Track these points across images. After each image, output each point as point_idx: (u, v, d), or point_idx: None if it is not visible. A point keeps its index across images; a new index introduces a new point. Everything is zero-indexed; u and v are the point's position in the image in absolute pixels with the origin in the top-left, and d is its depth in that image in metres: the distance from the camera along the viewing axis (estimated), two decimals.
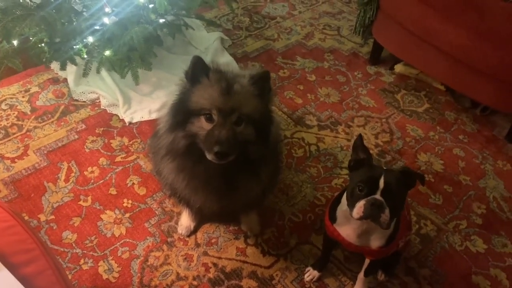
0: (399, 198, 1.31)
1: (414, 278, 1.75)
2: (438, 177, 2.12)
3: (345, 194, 1.41)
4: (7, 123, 2.14)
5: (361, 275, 1.63)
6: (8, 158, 2.00)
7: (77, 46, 2.06)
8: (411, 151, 2.22)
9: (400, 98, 2.51)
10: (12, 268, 1.00)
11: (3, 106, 2.22)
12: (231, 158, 1.31)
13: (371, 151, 2.17)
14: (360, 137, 1.38)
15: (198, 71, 1.35)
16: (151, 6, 2.03)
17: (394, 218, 1.34)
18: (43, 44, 2.05)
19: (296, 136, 2.25)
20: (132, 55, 2.10)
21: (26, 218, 1.78)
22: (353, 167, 1.38)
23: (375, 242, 1.41)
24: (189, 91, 1.36)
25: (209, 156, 1.31)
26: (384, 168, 1.37)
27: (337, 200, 1.48)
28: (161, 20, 2.18)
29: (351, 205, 1.30)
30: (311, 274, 1.71)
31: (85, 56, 2.10)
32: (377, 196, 1.26)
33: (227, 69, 1.41)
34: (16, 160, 1.99)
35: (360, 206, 1.27)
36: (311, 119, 2.34)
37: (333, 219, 1.48)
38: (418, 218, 1.94)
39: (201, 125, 1.33)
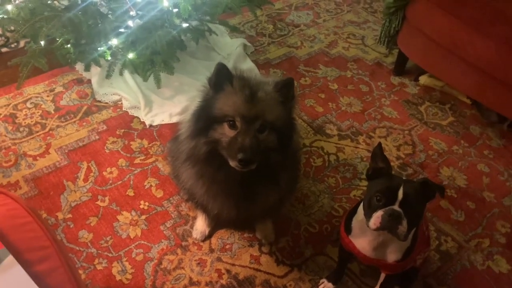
0: (417, 210, 1.27)
1: None
2: (461, 192, 2.06)
3: (361, 205, 1.38)
4: (31, 121, 2.19)
5: None
6: (30, 156, 2.03)
7: (102, 48, 2.09)
8: (434, 165, 2.17)
9: (424, 110, 2.45)
10: (25, 265, 1.01)
11: (28, 105, 2.27)
12: (254, 165, 1.30)
13: (392, 163, 2.13)
14: (379, 145, 1.35)
15: (221, 78, 1.34)
16: (175, 10, 2.04)
17: (412, 230, 1.30)
18: (69, 45, 2.09)
19: (316, 145, 2.22)
20: (155, 59, 2.12)
21: (44, 215, 1.81)
22: (371, 176, 1.34)
23: (391, 255, 1.37)
24: (212, 98, 1.36)
25: (232, 163, 1.30)
26: (404, 178, 1.33)
27: (353, 211, 1.45)
28: (185, 25, 2.19)
29: (368, 215, 1.27)
30: (325, 286, 1.67)
31: (109, 58, 2.13)
32: (396, 207, 1.23)
33: (250, 76, 1.40)
34: (38, 158, 2.03)
35: (377, 216, 1.24)
36: (332, 128, 2.31)
37: (348, 230, 1.45)
38: (439, 234, 1.89)
39: (224, 132, 1.32)
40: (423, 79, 2.59)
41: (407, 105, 2.48)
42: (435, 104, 2.50)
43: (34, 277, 0.98)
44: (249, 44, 2.73)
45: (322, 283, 1.69)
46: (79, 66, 2.42)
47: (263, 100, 1.32)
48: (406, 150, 2.23)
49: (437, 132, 2.34)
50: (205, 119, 1.36)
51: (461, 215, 1.97)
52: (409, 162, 2.17)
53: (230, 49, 2.65)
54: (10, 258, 1.00)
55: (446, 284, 1.73)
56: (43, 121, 2.20)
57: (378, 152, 1.35)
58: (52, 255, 1.08)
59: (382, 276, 1.53)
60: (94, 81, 2.36)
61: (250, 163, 1.29)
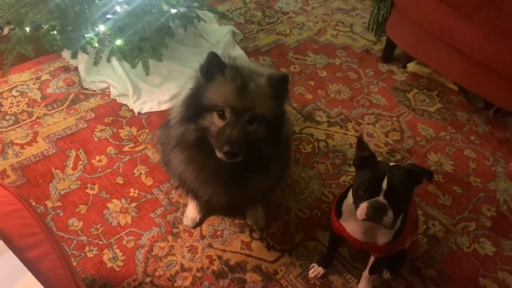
0: (403, 198, 1.29)
1: (420, 278, 1.73)
2: (448, 177, 2.09)
3: (351, 189, 1.40)
4: (18, 110, 2.15)
5: (366, 272, 1.61)
6: (17, 144, 2.01)
7: (89, 35, 2.06)
8: (422, 151, 2.19)
9: (411, 97, 2.48)
10: (17, 251, 1.00)
11: (14, 93, 2.23)
12: (240, 158, 1.30)
13: (380, 149, 2.17)
14: (360, 136, 1.38)
15: (213, 67, 1.33)
16: None
17: (399, 217, 1.32)
18: (55, 32, 2.05)
19: (305, 131, 2.23)
20: (144, 45, 2.10)
21: (33, 204, 1.79)
22: (358, 164, 1.36)
23: (381, 238, 1.39)
24: (203, 87, 1.35)
25: (219, 155, 1.31)
26: (391, 164, 1.35)
27: (344, 195, 1.47)
28: (173, 11, 2.17)
29: (356, 205, 1.30)
30: (315, 270, 1.69)
31: (97, 45, 2.10)
32: (380, 198, 1.24)
33: (244, 66, 1.39)
34: (25, 146, 2.00)
35: (363, 208, 1.26)
36: (321, 115, 2.32)
37: (339, 214, 1.46)
38: (426, 218, 1.92)
39: (213, 121, 1.32)
40: (411, 66, 2.61)
41: (395, 92, 2.49)
42: (422, 91, 2.52)
43: (26, 263, 0.98)
44: (238, 31, 2.71)
45: (313, 267, 1.70)
46: (66, 53, 2.38)
47: (255, 92, 1.31)
48: (394, 136, 2.25)
49: (424, 118, 2.36)
50: (195, 106, 1.36)
51: (448, 200, 2.00)
52: (397, 148, 2.19)
53: (219, 36, 2.63)
54: (1, 244, 0.99)
55: (433, 267, 1.76)
56: (30, 109, 2.17)
57: (361, 143, 1.36)
58: (44, 242, 1.07)
59: (372, 259, 1.56)
60: (81, 68, 2.33)
61: (236, 156, 1.29)
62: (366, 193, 1.27)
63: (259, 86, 1.33)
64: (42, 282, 0.94)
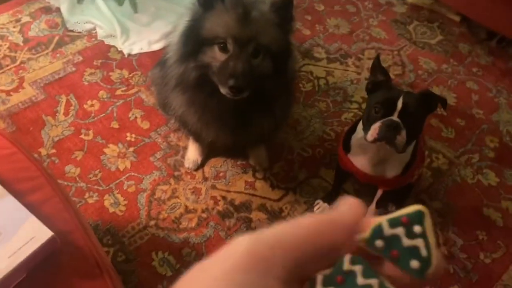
0: (417, 121, 1.25)
1: None
2: (451, 110, 2.05)
3: (360, 123, 1.35)
4: None
5: (372, 206, 1.60)
6: (3, 91, 1.90)
7: None
8: (424, 84, 2.14)
9: (412, 30, 2.38)
10: (17, 195, 0.95)
11: None
12: (246, 94, 1.23)
13: None
14: (377, 57, 1.30)
15: None
16: None
17: (411, 142, 1.28)
18: None
19: (304, 69, 2.15)
20: None
21: None
22: (371, 89, 1.30)
23: (391, 171, 1.36)
24: (201, 17, 1.24)
25: (223, 91, 1.22)
26: (404, 90, 1.29)
27: (352, 129, 1.42)
28: None
29: (367, 128, 1.25)
30: (321, 207, 1.68)
31: None
32: (394, 117, 1.20)
33: None
34: (11, 93, 1.90)
35: (375, 128, 1.21)
36: (320, 52, 2.22)
37: (347, 149, 1.42)
38: (430, 151, 1.89)
39: (215, 55, 1.23)
40: None
41: (395, 25, 2.40)
42: (423, 23, 2.43)
43: (28, 207, 0.93)
44: None
45: (318, 204, 1.69)
46: None
47: (258, 20, 1.21)
48: (396, 70, 2.18)
49: (426, 51, 2.29)
50: (194, 41, 1.26)
51: (451, 133, 1.97)
52: (399, 82, 2.13)
53: None
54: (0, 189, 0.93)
55: (438, 199, 1.76)
56: (12, 54, 2.04)
57: (377, 65, 1.30)
58: (44, 185, 1.02)
59: (379, 193, 1.54)
60: (63, 8, 2.17)
61: (241, 90, 1.21)
62: (379, 113, 1.22)
63: (262, 13, 1.23)
64: (47, 226, 0.90)
